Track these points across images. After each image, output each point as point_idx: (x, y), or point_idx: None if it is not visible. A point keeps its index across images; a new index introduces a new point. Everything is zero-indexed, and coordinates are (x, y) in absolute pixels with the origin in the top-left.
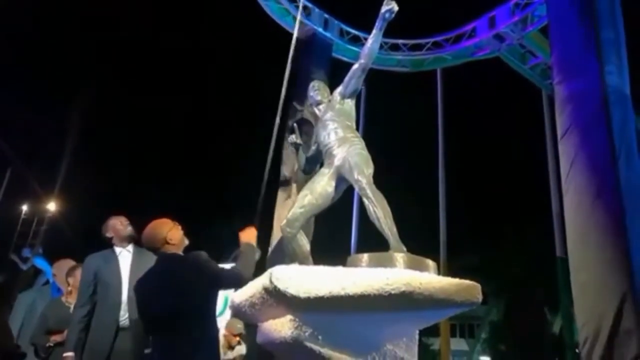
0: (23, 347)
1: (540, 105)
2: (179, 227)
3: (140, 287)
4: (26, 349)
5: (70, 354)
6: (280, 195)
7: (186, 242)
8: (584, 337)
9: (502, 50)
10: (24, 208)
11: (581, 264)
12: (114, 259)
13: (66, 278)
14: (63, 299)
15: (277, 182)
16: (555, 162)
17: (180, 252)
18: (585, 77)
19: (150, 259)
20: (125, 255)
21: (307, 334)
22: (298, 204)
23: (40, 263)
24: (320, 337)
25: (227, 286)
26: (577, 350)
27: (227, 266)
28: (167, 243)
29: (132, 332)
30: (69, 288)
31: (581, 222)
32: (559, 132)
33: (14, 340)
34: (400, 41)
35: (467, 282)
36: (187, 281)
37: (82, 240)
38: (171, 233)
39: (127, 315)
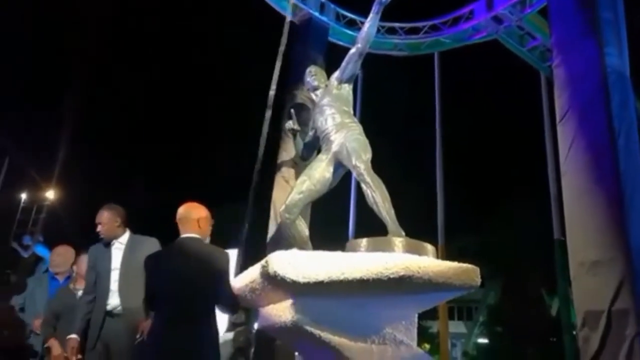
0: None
1: (539, 88)
2: (211, 220)
3: (169, 266)
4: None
5: (73, 336)
6: (278, 181)
7: (209, 235)
8: (581, 319)
9: (500, 32)
10: (23, 196)
11: (579, 246)
12: (108, 249)
13: (71, 266)
14: (71, 285)
15: (274, 168)
16: (553, 145)
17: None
18: (585, 59)
19: (145, 248)
20: (117, 246)
21: (307, 318)
22: (296, 190)
23: (40, 250)
24: (320, 322)
25: (222, 298)
26: (574, 332)
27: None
28: (198, 227)
29: (125, 319)
30: (75, 275)
31: (579, 204)
32: (558, 115)
33: (27, 337)
34: (397, 24)
35: (465, 265)
36: (211, 273)
37: (80, 228)
38: (202, 220)
39: (119, 302)
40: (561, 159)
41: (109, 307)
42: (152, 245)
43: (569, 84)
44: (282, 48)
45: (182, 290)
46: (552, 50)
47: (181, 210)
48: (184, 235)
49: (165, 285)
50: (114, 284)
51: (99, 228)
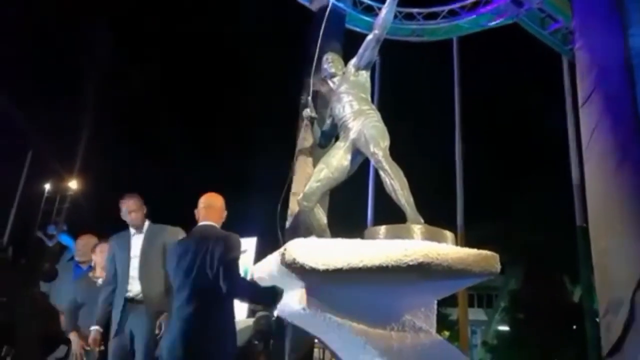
0: None
1: (560, 72)
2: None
3: (191, 254)
4: None
5: (95, 327)
6: (297, 168)
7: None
8: (604, 306)
9: (520, 15)
10: (47, 187)
11: (602, 232)
12: (128, 239)
13: (92, 254)
14: (90, 274)
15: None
16: (575, 130)
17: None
18: (608, 41)
19: (165, 236)
20: (137, 235)
21: (325, 305)
22: (314, 178)
23: (65, 239)
24: (339, 309)
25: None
26: (597, 319)
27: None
28: (219, 215)
29: (146, 306)
30: (93, 264)
31: (603, 190)
32: (581, 99)
33: (60, 325)
34: (414, 10)
35: (485, 252)
36: (230, 258)
37: (103, 217)
38: (223, 209)
39: (139, 289)
40: (584, 143)
41: (130, 294)
42: (173, 233)
43: (592, 66)
44: (319, 44)
45: (202, 277)
46: (574, 33)
47: (207, 199)
48: (204, 223)
49: (187, 273)
50: (134, 271)
51: (132, 216)
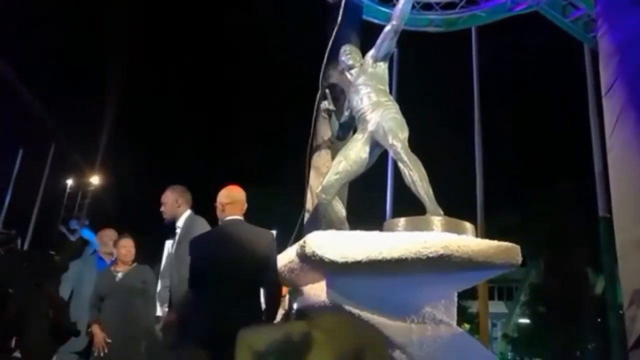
0: (74, 316)
1: (582, 61)
2: None
3: (219, 249)
4: (77, 318)
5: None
6: (315, 162)
7: None
8: (629, 298)
9: (541, 3)
10: (69, 182)
11: (626, 223)
12: (174, 236)
13: (114, 248)
14: (112, 268)
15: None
16: (598, 119)
17: None
18: (632, 27)
19: (197, 229)
20: (177, 231)
21: (345, 297)
22: (332, 171)
23: (87, 234)
24: (358, 301)
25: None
26: (621, 312)
27: None
28: (242, 209)
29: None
30: (114, 258)
31: (627, 180)
32: (603, 88)
33: (69, 318)
34: (432, 0)
35: (505, 243)
36: (258, 256)
37: (125, 211)
38: (245, 202)
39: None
40: (607, 133)
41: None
42: (202, 225)
43: (615, 54)
44: (332, 37)
45: (230, 272)
46: (597, 20)
47: (233, 192)
48: (232, 218)
49: (214, 268)
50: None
51: (162, 208)
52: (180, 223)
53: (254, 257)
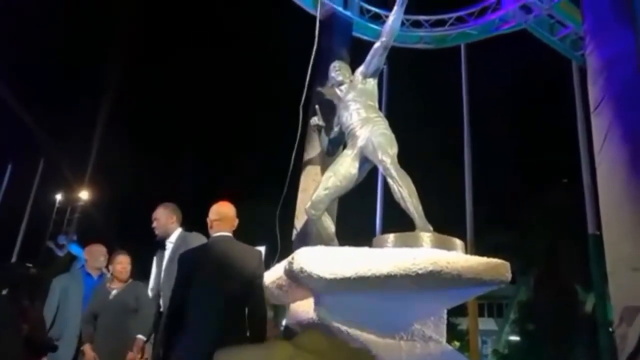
0: (60, 330)
1: (570, 78)
2: None
3: (206, 266)
4: (61, 332)
5: (140, 336)
6: (304, 177)
7: None
8: (619, 316)
9: (529, 22)
10: (58, 197)
11: (616, 240)
12: (163, 252)
13: (108, 265)
14: (108, 285)
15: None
16: (586, 136)
17: None
18: (619, 44)
19: (190, 244)
20: (168, 247)
21: (334, 314)
22: (322, 186)
23: (75, 249)
24: (347, 318)
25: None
26: (611, 329)
27: None
28: (233, 225)
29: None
30: (110, 274)
31: (616, 196)
32: (592, 104)
33: (47, 333)
34: (422, 17)
35: (495, 260)
36: (245, 275)
37: (113, 226)
38: (236, 218)
39: (161, 303)
40: (595, 149)
41: (161, 309)
42: (196, 238)
43: (602, 71)
44: (315, 50)
45: (213, 290)
46: (585, 38)
47: (222, 208)
48: (219, 234)
49: (197, 284)
50: (152, 284)
51: (154, 224)
52: (172, 239)
53: (239, 275)
